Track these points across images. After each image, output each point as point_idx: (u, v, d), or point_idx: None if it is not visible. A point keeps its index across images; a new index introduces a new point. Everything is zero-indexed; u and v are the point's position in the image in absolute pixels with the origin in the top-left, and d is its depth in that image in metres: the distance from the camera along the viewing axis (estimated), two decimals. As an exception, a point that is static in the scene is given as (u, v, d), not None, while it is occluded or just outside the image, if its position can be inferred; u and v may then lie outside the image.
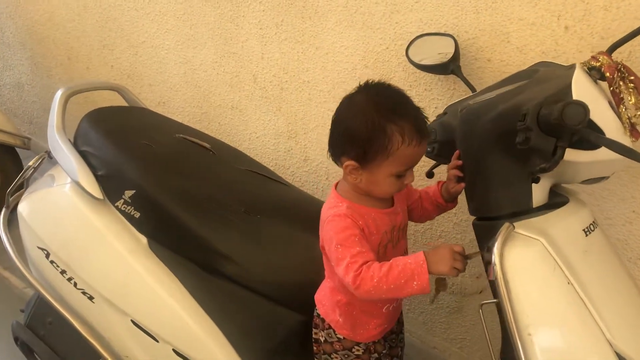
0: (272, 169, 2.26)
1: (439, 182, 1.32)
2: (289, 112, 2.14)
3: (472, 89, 1.45)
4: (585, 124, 0.84)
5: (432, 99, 1.70)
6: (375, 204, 1.20)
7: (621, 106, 0.97)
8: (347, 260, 1.08)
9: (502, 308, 0.98)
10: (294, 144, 2.17)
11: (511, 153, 1.07)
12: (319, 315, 1.31)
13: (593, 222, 1.11)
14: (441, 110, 1.59)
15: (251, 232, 1.41)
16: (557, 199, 1.17)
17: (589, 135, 0.87)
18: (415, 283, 1.05)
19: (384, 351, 1.34)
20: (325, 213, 1.18)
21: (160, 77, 2.56)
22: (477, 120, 1.12)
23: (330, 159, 1.19)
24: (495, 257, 0.98)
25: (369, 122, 1.08)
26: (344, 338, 1.27)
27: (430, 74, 1.67)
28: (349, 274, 1.07)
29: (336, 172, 2.04)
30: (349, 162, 1.13)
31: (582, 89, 0.97)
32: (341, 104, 1.16)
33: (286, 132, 2.18)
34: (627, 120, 0.97)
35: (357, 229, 1.13)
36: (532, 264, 0.99)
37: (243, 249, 1.39)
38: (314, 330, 1.34)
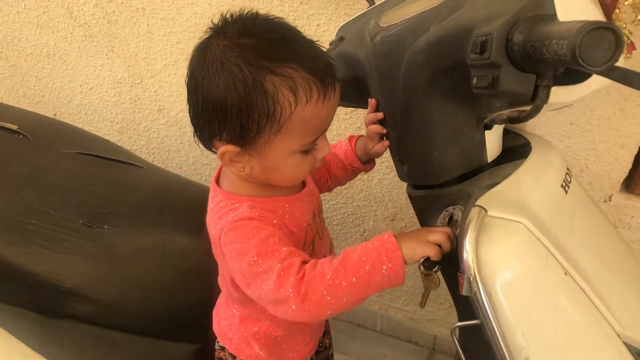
0: (119, 126, 1.80)
1: (350, 138, 0.97)
2: (126, 51, 1.64)
3: (368, -2, 1.07)
4: (617, 61, 0.51)
5: (312, 14, 1.30)
6: (284, 190, 0.84)
7: (615, 11, 0.65)
8: (278, 268, 0.70)
9: (486, 330, 0.68)
10: (140, 91, 1.69)
11: (454, 94, 0.75)
12: (224, 348, 0.95)
13: (567, 169, 0.82)
14: (329, 32, 1.21)
15: (99, 251, 0.98)
16: (511, 143, 0.87)
17: (610, 72, 0.54)
18: (384, 267, 0.70)
19: None
20: (217, 224, 0.79)
21: (-60, 25, 1.90)
22: (399, 54, 0.77)
23: (201, 144, 0.80)
24: (469, 265, 0.66)
25: (238, 81, 0.69)
26: None
27: (304, -18, 1.26)
28: (285, 284, 0.69)
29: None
30: (225, 148, 0.74)
31: (568, -7, 0.63)
32: (192, 59, 0.74)
33: (127, 78, 1.69)
34: (624, 31, 0.66)
35: (273, 228, 0.76)
36: (519, 261, 0.68)
37: (92, 277, 0.97)
38: (218, 365, 0.99)
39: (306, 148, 0.76)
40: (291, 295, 0.69)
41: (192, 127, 0.78)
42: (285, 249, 0.73)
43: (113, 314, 0.97)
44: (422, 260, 0.73)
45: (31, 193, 1.03)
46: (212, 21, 0.74)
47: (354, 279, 0.70)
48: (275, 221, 0.77)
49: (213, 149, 0.79)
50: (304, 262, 0.72)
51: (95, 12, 1.61)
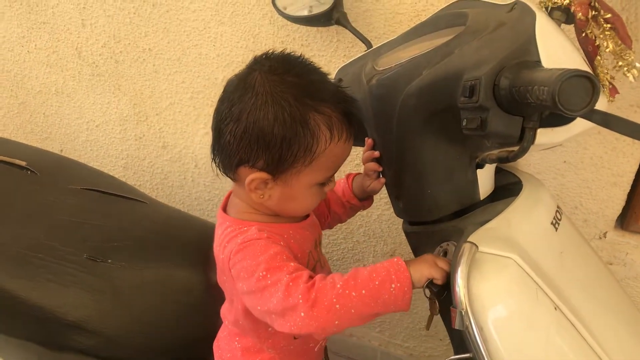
0: (124, 162, 1.83)
1: (348, 176, 1.01)
2: (132, 90, 1.69)
3: (366, 41, 1.12)
4: (594, 106, 0.55)
5: (312, 55, 1.35)
6: (289, 219, 0.88)
7: (597, 57, 0.69)
8: (286, 279, 0.73)
9: (478, 364, 0.70)
10: (145, 128, 1.74)
11: (446, 135, 0.78)
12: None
13: (558, 207, 0.85)
14: (329, 73, 1.25)
15: (103, 285, 1.00)
16: (503, 181, 0.90)
17: (590, 115, 0.58)
18: (393, 286, 0.72)
19: None
20: (226, 247, 0.82)
21: (-47, 64, 1.96)
22: (394, 96, 0.80)
23: (218, 169, 0.85)
24: (461, 299, 0.68)
25: (287, 114, 0.75)
26: None
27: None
28: (294, 292, 0.71)
29: (206, 156, 1.65)
30: (256, 175, 0.79)
31: (551, 42, 0.67)
32: (231, 91, 0.80)
33: (133, 116, 1.73)
34: (606, 76, 0.70)
35: (281, 247, 0.80)
36: (509, 295, 0.71)
37: (95, 310, 0.98)
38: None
39: (325, 181, 0.83)
40: (300, 301, 0.71)
41: (215, 152, 0.83)
42: (292, 264, 0.76)
43: (115, 347, 0.98)
44: (427, 284, 0.75)
45: (38, 227, 1.05)
46: (255, 56, 0.80)
47: (363, 291, 0.71)
48: (282, 243, 0.81)
49: (230, 175, 0.83)
50: (311, 276, 0.75)
51: (103, 52, 1.66)
